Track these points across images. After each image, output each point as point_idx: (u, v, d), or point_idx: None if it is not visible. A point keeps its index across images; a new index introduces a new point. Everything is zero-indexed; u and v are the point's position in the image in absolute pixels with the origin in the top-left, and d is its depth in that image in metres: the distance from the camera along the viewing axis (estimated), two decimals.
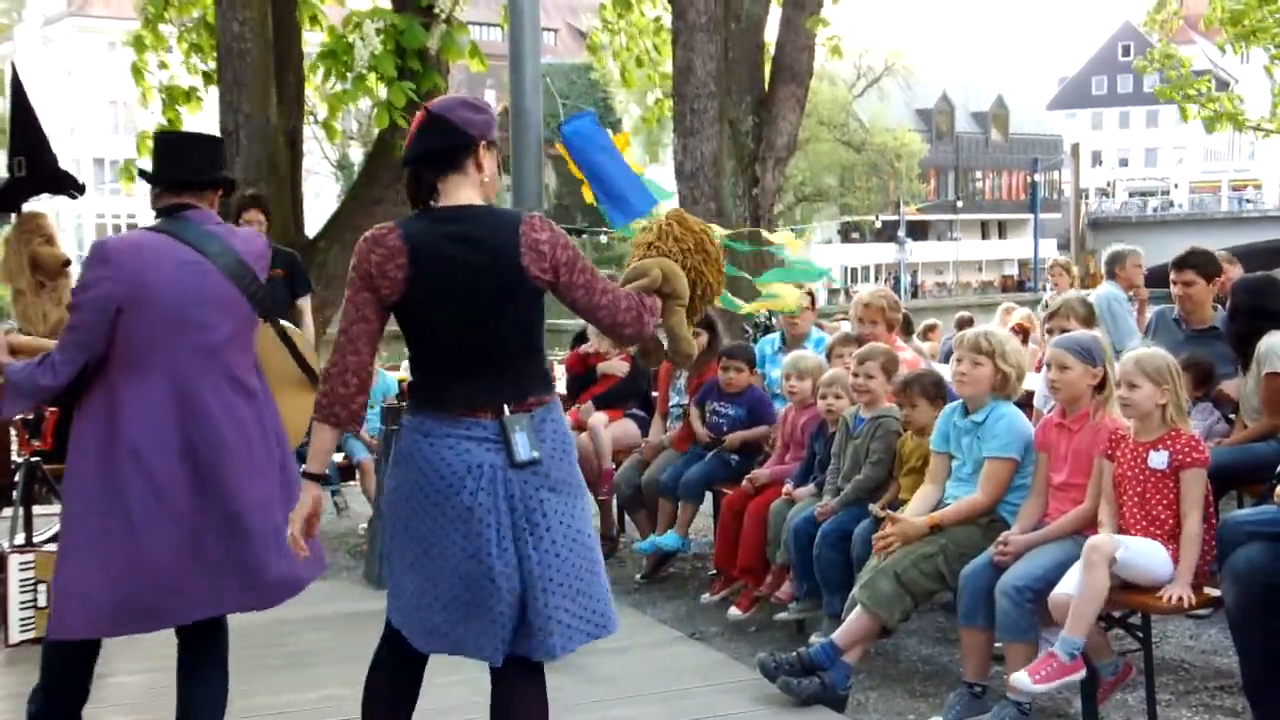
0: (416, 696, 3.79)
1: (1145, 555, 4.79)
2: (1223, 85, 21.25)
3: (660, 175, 9.76)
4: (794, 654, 5.33)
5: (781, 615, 6.32)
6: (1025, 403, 6.83)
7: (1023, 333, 11.11)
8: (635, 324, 3.69)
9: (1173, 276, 7.09)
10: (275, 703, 5.15)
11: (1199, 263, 7.09)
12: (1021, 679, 4.72)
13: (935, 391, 5.89)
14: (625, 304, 3.67)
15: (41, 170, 5.70)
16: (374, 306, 3.56)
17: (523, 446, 3.50)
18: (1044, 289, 13.46)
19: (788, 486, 6.49)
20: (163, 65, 12.62)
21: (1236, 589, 4.56)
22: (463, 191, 3.64)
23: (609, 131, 5.70)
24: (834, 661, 5.24)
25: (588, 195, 5.74)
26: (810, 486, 6.41)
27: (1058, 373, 5.21)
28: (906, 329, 8.59)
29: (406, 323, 3.62)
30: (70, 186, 5.82)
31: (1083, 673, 4.79)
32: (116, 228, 60.68)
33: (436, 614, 3.56)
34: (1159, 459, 4.86)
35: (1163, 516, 4.87)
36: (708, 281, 4.10)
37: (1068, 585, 4.77)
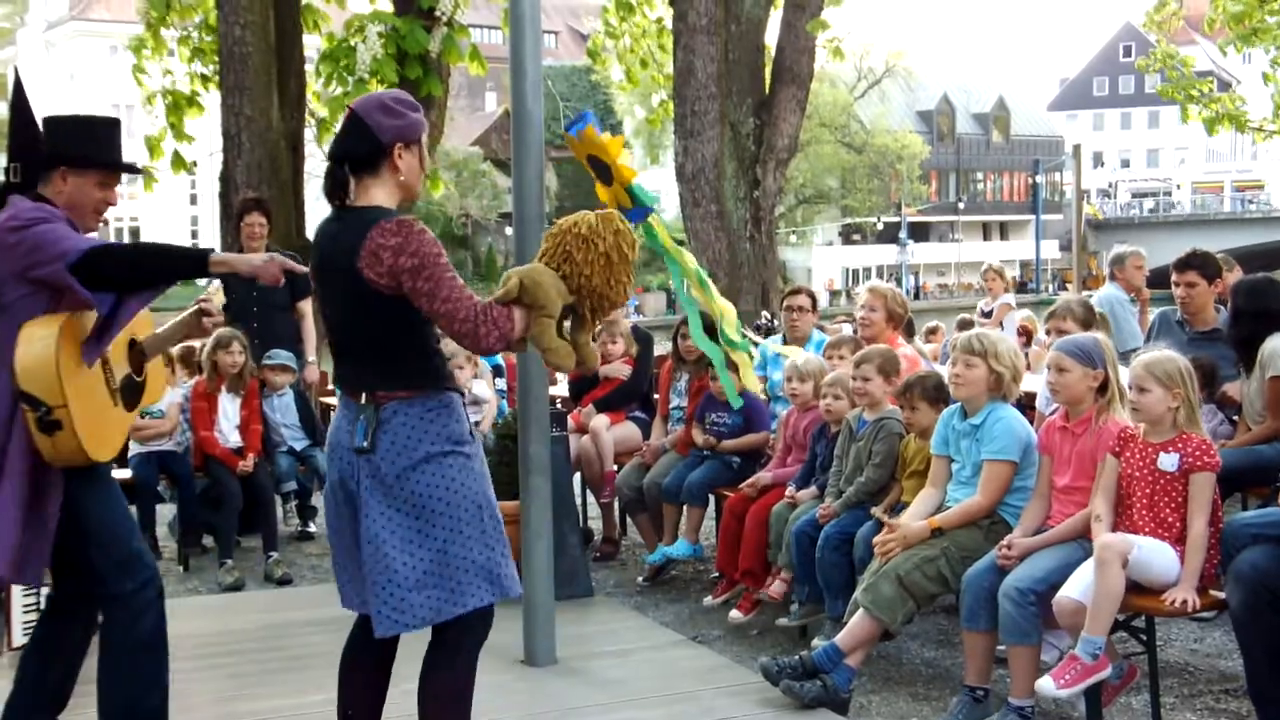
0: (387, 660, 4.10)
1: (1157, 556, 4.78)
2: (1224, 86, 21.23)
3: (662, 178, 9.74)
4: (796, 658, 5.32)
5: (783, 621, 6.31)
6: (1029, 405, 6.83)
7: (1025, 335, 11.13)
8: (470, 336, 3.66)
9: (1174, 278, 7.09)
10: (277, 705, 5.15)
11: (1200, 264, 7.08)
12: (1046, 685, 4.69)
13: (936, 394, 5.88)
14: (462, 315, 3.64)
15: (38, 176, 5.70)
16: None
17: (358, 434, 3.76)
18: (986, 294, 13.65)
19: (790, 489, 6.49)
20: (166, 72, 12.64)
21: (1241, 592, 4.55)
22: (372, 193, 3.83)
23: (606, 135, 5.71)
24: (836, 665, 5.23)
25: (601, 194, 5.75)
26: (812, 489, 6.41)
27: (1056, 375, 5.20)
28: (909, 331, 8.58)
29: None
30: None
31: (1108, 671, 4.76)
32: (119, 230, 60.82)
33: (339, 573, 4.03)
34: (1169, 461, 4.85)
35: (1171, 519, 4.85)
36: (600, 293, 3.85)
37: (1071, 588, 4.76)
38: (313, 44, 12.32)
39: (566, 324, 3.92)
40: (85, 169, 4.36)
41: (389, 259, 3.62)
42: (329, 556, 8.56)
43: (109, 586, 4.29)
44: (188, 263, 4.21)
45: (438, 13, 10.66)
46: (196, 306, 4.69)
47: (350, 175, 3.85)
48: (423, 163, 3.95)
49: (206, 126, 12.13)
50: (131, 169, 4.60)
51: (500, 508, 7.19)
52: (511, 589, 3.89)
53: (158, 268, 4.17)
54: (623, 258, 3.84)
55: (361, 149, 3.82)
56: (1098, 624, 4.67)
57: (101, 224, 4.54)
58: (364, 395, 3.79)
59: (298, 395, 9.02)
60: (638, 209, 5.67)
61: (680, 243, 7.17)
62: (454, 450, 3.79)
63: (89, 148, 4.41)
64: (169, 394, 8.01)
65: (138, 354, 4.53)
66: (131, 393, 4.50)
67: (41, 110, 4.64)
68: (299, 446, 8.86)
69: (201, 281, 5.20)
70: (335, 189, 3.85)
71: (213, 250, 4.25)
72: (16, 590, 6.03)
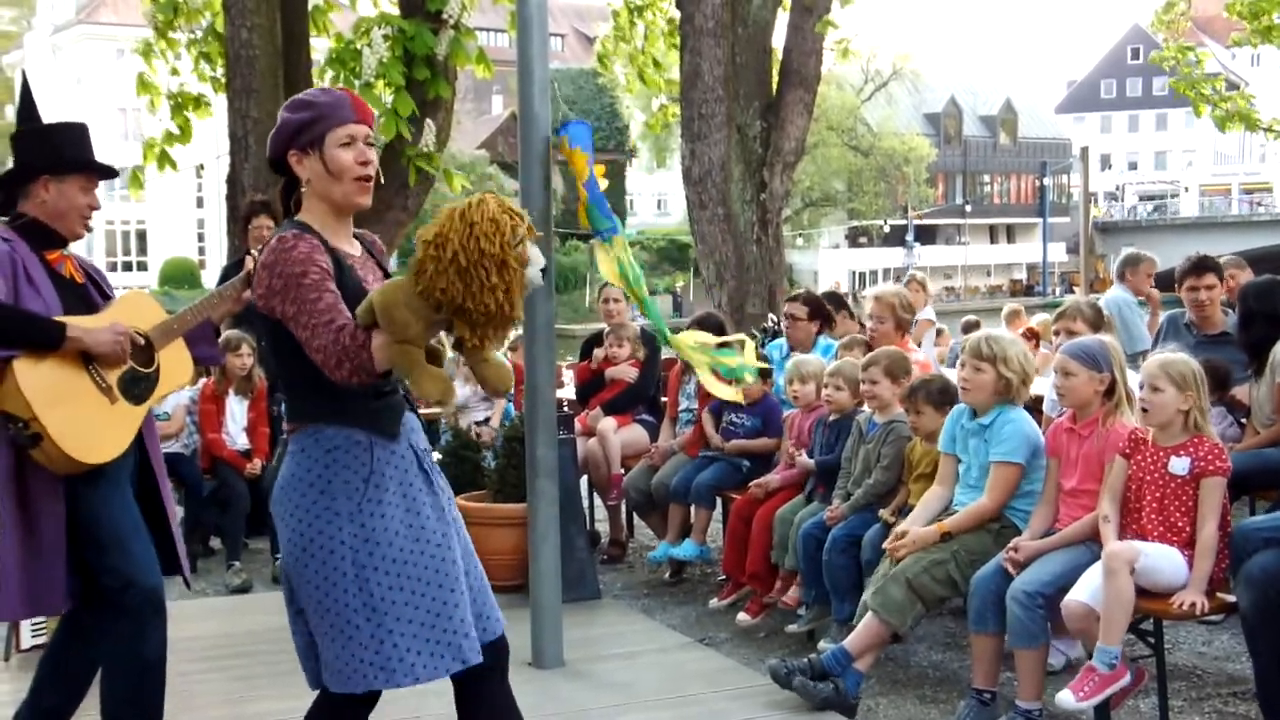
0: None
1: (1164, 562, 4.77)
2: (1232, 87, 21.16)
3: (668, 181, 9.74)
4: (805, 660, 5.32)
5: (792, 627, 6.31)
6: (1036, 407, 6.82)
7: (1034, 337, 11.09)
8: (326, 368, 3.13)
9: (1191, 282, 7.02)
10: (285, 707, 5.14)
11: (1217, 266, 7.07)
12: (1065, 698, 4.68)
13: (941, 398, 5.86)
14: (317, 343, 3.13)
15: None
16: None
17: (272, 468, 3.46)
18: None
19: (830, 508, 6.23)
20: (174, 72, 12.64)
21: (1251, 595, 4.55)
22: (305, 205, 3.45)
23: (579, 149, 5.72)
24: (846, 669, 5.22)
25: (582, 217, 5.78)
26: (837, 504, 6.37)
27: (1062, 379, 5.20)
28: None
29: None
30: None
31: (1127, 679, 4.75)
32: (125, 234, 60.90)
33: None
34: (1180, 465, 4.84)
35: (1181, 523, 4.84)
36: (461, 307, 3.00)
37: (1080, 592, 4.75)
38: (321, 46, 12.31)
39: (447, 345, 3.35)
40: (66, 174, 4.35)
41: (265, 280, 3.23)
42: None
43: (107, 595, 4.25)
44: (42, 335, 4.13)
45: (445, 15, 10.65)
46: (243, 275, 4.57)
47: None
48: (330, 164, 3.36)
49: (213, 129, 12.12)
50: (111, 172, 4.54)
51: (508, 510, 7.22)
52: (400, 678, 3.33)
53: (13, 329, 4.10)
54: (479, 256, 2.94)
55: (273, 161, 3.49)
56: (1111, 634, 4.66)
57: (107, 226, 4.54)
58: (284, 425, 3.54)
59: None
60: (607, 229, 5.69)
61: (685, 247, 7.18)
62: (317, 504, 3.28)
63: (68, 152, 4.40)
64: (173, 396, 8.01)
65: (144, 347, 4.47)
66: (140, 386, 4.42)
67: (49, 114, 4.65)
68: None
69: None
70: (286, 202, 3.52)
71: (67, 326, 4.16)
72: None
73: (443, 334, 3.22)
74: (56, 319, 4.19)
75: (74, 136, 4.48)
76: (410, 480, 3.40)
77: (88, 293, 4.47)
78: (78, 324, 4.22)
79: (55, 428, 4.08)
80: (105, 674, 4.31)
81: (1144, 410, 4.96)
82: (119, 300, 4.54)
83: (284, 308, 3.20)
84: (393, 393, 3.42)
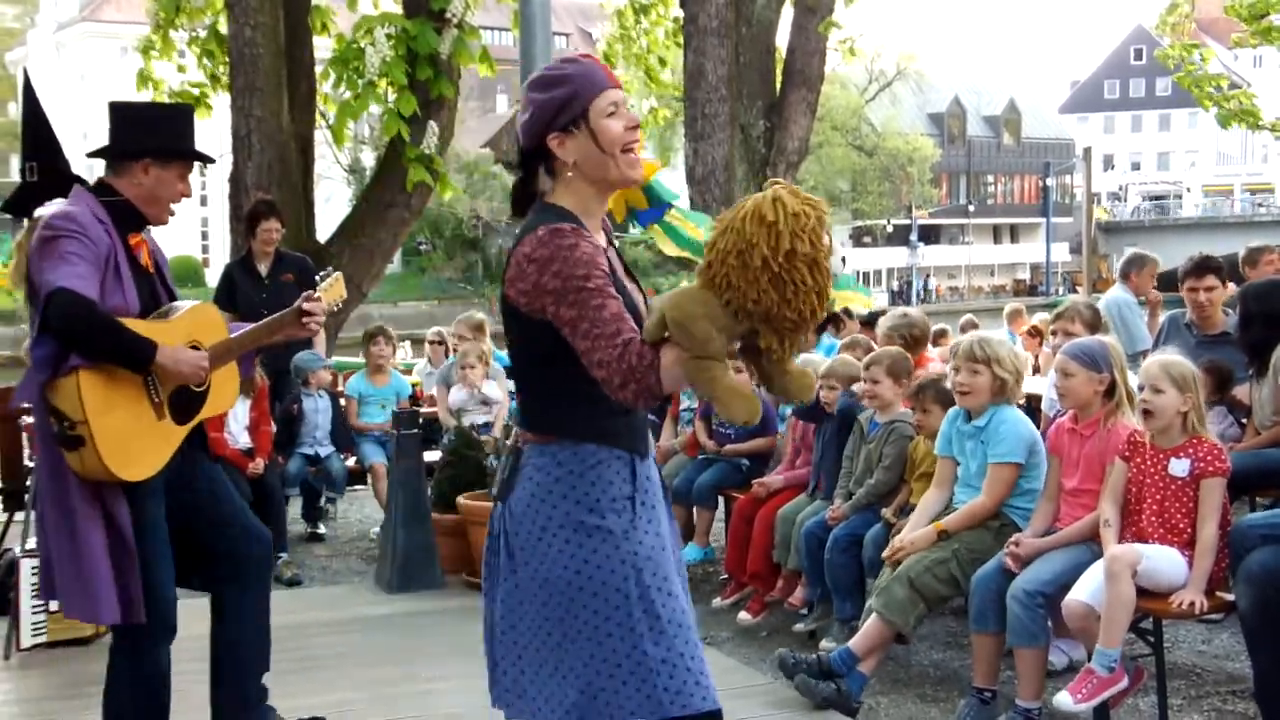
0: None
1: (1166, 563, 4.78)
2: (1235, 88, 21.12)
3: (671, 180, 9.74)
4: (814, 657, 5.33)
5: (799, 626, 6.32)
6: (1035, 407, 6.83)
7: (1038, 334, 11.08)
8: (609, 388, 2.82)
9: (1192, 283, 7.02)
10: (287, 706, 5.14)
11: (1218, 267, 7.07)
12: (1063, 699, 4.69)
13: (948, 397, 5.87)
14: (598, 358, 2.82)
15: (54, 175, 5.72)
16: None
17: (499, 475, 3.15)
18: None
19: (832, 507, 6.26)
20: (180, 69, 12.66)
21: (1251, 593, 4.55)
22: (557, 190, 3.09)
23: None
24: (850, 670, 5.23)
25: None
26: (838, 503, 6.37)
27: (1062, 379, 5.21)
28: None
29: None
30: None
31: (1124, 683, 4.76)
32: None
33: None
34: (1180, 466, 4.85)
35: (1181, 524, 4.85)
36: (776, 315, 2.72)
37: (1080, 591, 4.76)
38: (325, 45, 12.33)
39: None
40: (170, 161, 4.24)
41: (533, 275, 2.90)
42: (338, 558, 8.65)
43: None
44: (131, 357, 3.99)
45: (448, 14, 10.66)
46: (297, 305, 4.49)
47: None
48: (601, 138, 3.01)
49: (215, 128, 12.16)
50: (210, 160, 4.47)
51: None
52: (682, 707, 2.98)
53: (102, 342, 3.94)
54: (790, 259, 2.67)
55: (516, 159, 3.15)
56: (1111, 636, 4.67)
57: None
58: (515, 433, 3.15)
59: (333, 399, 9.05)
60: (652, 209, 5.67)
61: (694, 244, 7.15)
62: (586, 522, 3.01)
63: (174, 140, 4.28)
64: None
65: None
66: (186, 404, 4.25)
67: (51, 111, 4.64)
68: (323, 452, 8.85)
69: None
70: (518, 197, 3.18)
71: (158, 349, 4.02)
72: (24, 592, 6.04)
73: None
74: (142, 329, 4.03)
75: (181, 123, 4.37)
76: (655, 502, 3.18)
77: (155, 284, 4.32)
78: (165, 345, 4.06)
79: (101, 435, 3.92)
80: (109, 683, 4.29)
81: (1146, 413, 4.96)
82: (189, 310, 4.32)
83: (559, 310, 2.88)
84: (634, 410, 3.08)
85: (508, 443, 3.08)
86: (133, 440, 4.03)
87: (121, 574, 4.02)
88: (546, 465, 3.03)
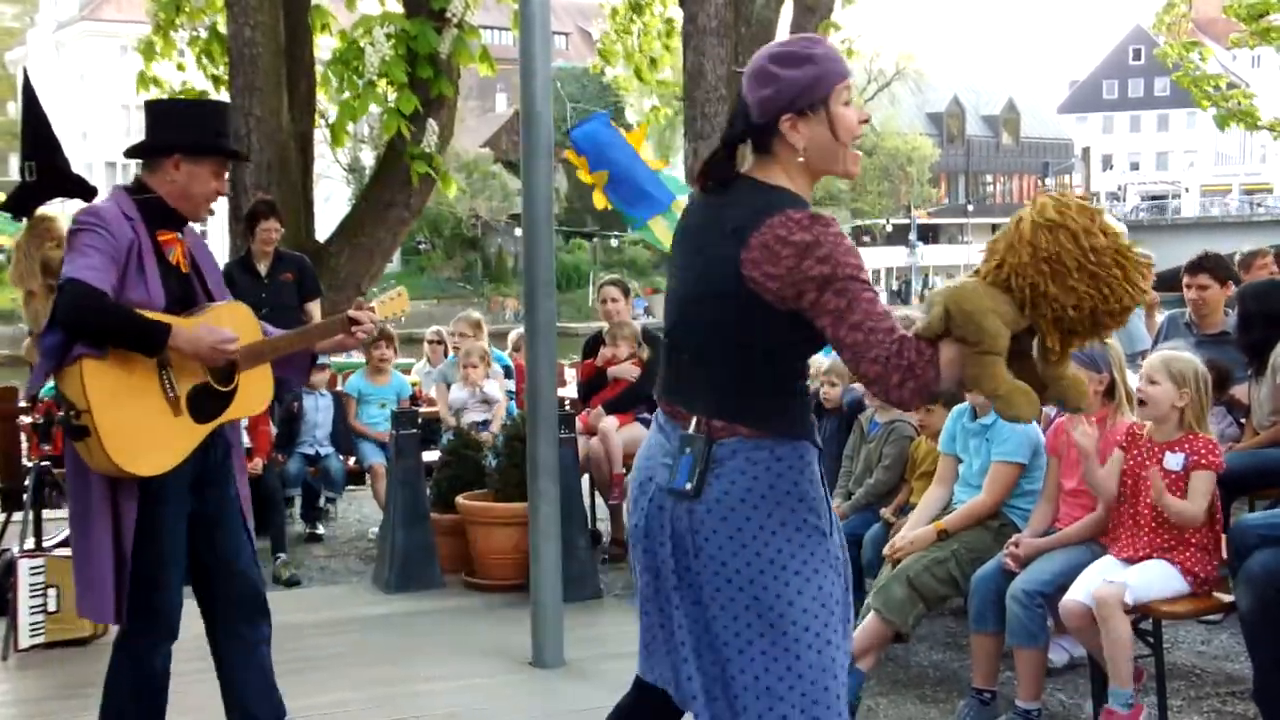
0: None
1: (1157, 579, 4.77)
2: (1233, 88, 21.12)
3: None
4: None
5: None
6: None
7: None
8: (878, 383, 2.70)
9: (1186, 280, 7.05)
10: (286, 707, 5.15)
11: (1212, 266, 7.07)
12: None
13: (952, 397, 5.87)
14: (872, 354, 2.68)
15: (53, 174, 5.72)
16: None
17: (680, 471, 2.90)
18: None
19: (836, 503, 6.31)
20: (180, 67, 12.66)
21: (1251, 594, 4.55)
22: (773, 172, 2.96)
23: (621, 130, 5.70)
24: (849, 668, 5.22)
25: (599, 200, 5.75)
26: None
27: None
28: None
29: None
30: (82, 191, 5.83)
31: (1144, 716, 4.76)
32: None
33: (644, 634, 3.28)
34: (1175, 461, 4.84)
35: (1175, 520, 4.85)
36: (1087, 312, 2.74)
37: (1078, 592, 4.76)
38: (326, 45, 12.32)
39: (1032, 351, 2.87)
40: (202, 158, 4.16)
41: (790, 259, 2.73)
42: (336, 558, 8.64)
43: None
44: (142, 340, 3.90)
45: (448, 14, 10.65)
46: (345, 314, 4.41)
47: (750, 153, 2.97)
48: (838, 126, 2.90)
49: None
50: (241, 156, 4.43)
51: (509, 509, 7.21)
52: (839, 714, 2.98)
53: (111, 327, 3.86)
54: (1097, 256, 2.68)
55: (738, 129, 2.98)
56: (1120, 675, 4.66)
57: None
58: (695, 420, 2.92)
59: (335, 398, 9.04)
60: (657, 201, 5.66)
61: None
62: (807, 522, 2.89)
63: (204, 135, 4.19)
64: None
65: (228, 362, 4.17)
66: (208, 403, 4.13)
67: (51, 111, 4.64)
68: (323, 452, 8.84)
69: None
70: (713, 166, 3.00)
71: (172, 328, 3.93)
72: (23, 593, 6.04)
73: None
74: (161, 318, 3.94)
75: (214, 119, 4.31)
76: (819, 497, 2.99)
77: (190, 285, 4.20)
78: (179, 324, 3.97)
79: (105, 426, 3.83)
80: (108, 682, 4.28)
81: (1140, 403, 4.97)
82: (216, 307, 4.22)
83: (822, 298, 2.72)
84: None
85: (686, 433, 2.91)
86: (142, 433, 3.95)
87: (116, 574, 4.02)
88: (764, 460, 2.86)
